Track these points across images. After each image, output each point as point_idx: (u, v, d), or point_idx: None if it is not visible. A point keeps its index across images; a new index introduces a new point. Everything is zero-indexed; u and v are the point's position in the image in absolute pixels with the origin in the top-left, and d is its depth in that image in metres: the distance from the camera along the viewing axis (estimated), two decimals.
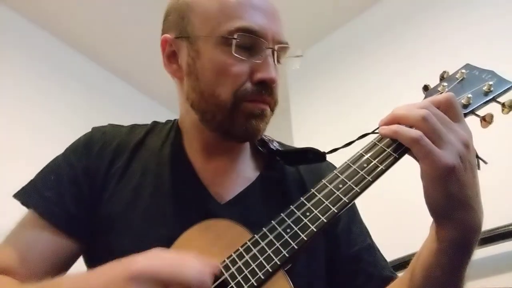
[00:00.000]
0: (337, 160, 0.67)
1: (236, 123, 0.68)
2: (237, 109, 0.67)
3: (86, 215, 0.69)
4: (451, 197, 0.53)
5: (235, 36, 0.66)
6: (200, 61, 0.69)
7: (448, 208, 0.54)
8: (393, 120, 0.57)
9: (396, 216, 1.71)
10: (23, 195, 0.70)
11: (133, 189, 0.71)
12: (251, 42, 0.67)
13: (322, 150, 0.72)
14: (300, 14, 2.37)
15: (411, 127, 0.55)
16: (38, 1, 2.24)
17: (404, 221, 1.64)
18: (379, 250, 0.77)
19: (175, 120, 0.83)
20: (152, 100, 2.89)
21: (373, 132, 0.63)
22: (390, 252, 0.79)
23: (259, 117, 0.68)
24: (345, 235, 0.74)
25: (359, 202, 0.80)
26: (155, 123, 0.83)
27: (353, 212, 0.80)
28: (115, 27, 2.42)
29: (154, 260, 0.47)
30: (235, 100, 0.67)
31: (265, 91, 0.68)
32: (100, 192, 0.71)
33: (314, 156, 0.72)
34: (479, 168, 0.57)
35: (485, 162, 0.57)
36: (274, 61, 0.69)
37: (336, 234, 0.74)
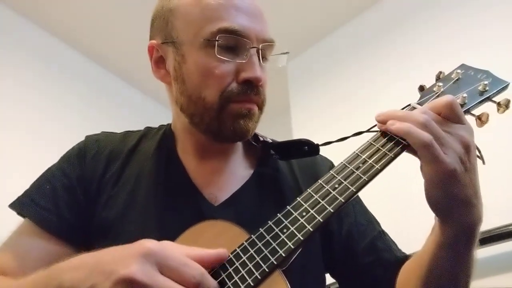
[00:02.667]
0: (334, 161, 0.67)
1: (224, 124, 0.68)
2: (224, 111, 0.68)
3: (82, 221, 0.71)
4: (452, 197, 0.54)
5: (217, 38, 0.66)
6: (186, 65, 0.70)
7: (449, 207, 0.55)
8: (392, 119, 0.58)
9: (397, 215, 1.71)
10: (18, 205, 0.72)
11: (128, 194, 0.72)
12: (235, 43, 0.68)
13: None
14: (300, 15, 2.37)
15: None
16: (38, 0, 2.25)
17: (405, 219, 1.64)
18: (388, 235, 0.79)
19: (167, 124, 0.84)
20: (153, 100, 2.90)
21: (368, 131, 0.63)
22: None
23: (246, 117, 0.69)
24: (355, 230, 0.75)
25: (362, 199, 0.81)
26: (148, 129, 0.84)
27: (358, 204, 0.81)
28: (115, 27, 2.43)
29: (167, 247, 0.49)
30: (221, 101, 0.67)
31: (251, 91, 0.68)
32: (95, 198, 0.72)
33: (308, 149, 0.73)
34: (483, 163, 0.58)
35: (483, 162, 0.57)
36: (259, 60, 0.69)
37: (345, 231, 0.75)
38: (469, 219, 0.56)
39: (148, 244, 0.48)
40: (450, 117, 0.55)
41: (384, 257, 0.73)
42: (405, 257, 0.72)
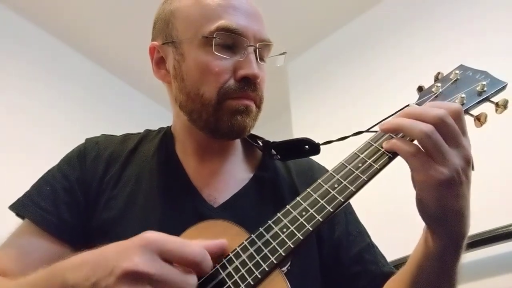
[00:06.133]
0: (334, 161, 0.68)
1: (221, 120, 0.70)
2: (221, 107, 0.69)
3: (82, 223, 0.71)
4: (445, 207, 0.54)
5: (216, 36, 0.68)
6: (185, 63, 0.71)
7: (441, 216, 0.55)
8: (397, 130, 0.57)
9: (393, 217, 1.71)
10: (18, 206, 0.72)
11: (127, 195, 0.73)
12: (232, 41, 0.69)
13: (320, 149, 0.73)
14: (300, 15, 2.38)
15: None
16: (38, 1, 2.24)
17: (402, 221, 1.64)
18: (377, 247, 0.79)
19: (167, 127, 0.85)
20: (152, 101, 2.90)
21: (367, 131, 0.64)
22: (387, 253, 0.80)
23: (244, 113, 0.70)
24: (344, 239, 0.76)
25: (357, 202, 0.81)
26: (147, 131, 0.85)
27: (350, 214, 0.81)
28: (116, 27, 2.43)
29: (165, 235, 0.50)
30: (219, 97, 0.69)
31: (248, 87, 0.69)
32: (95, 200, 0.73)
33: (309, 148, 0.74)
34: (473, 169, 0.57)
35: (472, 168, 0.57)
36: (256, 58, 0.70)
37: (335, 239, 0.75)
38: (460, 229, 0.56)
39: (147, 234, 0.49)
40: (456, 124, 0.55)
41: (370, 269, 0.73)
42: (391, 272, 0.72)
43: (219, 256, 0.55)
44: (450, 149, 0.53)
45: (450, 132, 0.54)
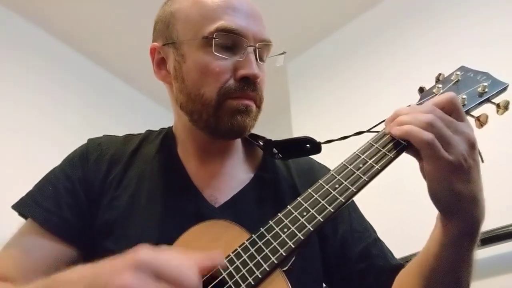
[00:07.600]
0: (334, 162, 0.68)
1: (221, 120, 0.70)
2: (221, 107, 0.69)
3: (84, 223, 0.71)
4: (458, 193, 0.55)
5: (215, 36, 0.69)
6: (186, 64, 0.72)
7: (455, 203, 0.56)
8: (397, 117, 0.58)
9: (398, 215, 1.72)
10: (21, 206, 0.72)
11: (130, 196, 0.73)
12: (232, 41, 0.70)
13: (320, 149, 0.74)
14: (300, 15, 2.37)
15: None
16: (38, 1, 2.24)
17: (407, 219, 1.65)
18: (383, 242, 0.79)
19: (169, 127, 0.85)
20: (152, 101, 2.89)
21: (369, 131, 0.64)
22: (394, 250, 0.80)
23: (244, 113, 0.70)
24: (349, 236, 0.76)
25: (360, 201, 0.82)
26: (149, 132, 0.86)
27: (354, 211, 0.81)
28: (116, 27, 2.43)
29: (160, 254, 0.49)
30: (219, 97, 0.69)
31: (248, 87, 0.70)
32: (97, 200, 0.73)
33: (310, 147, 0.74)
34: (482, 161, 0.59)
35: (482, 161, 0.58)
36: (256, 58, 0.71)
37: (339, 237, 0.75)
38: (474, 214, 0.57)
39: (142, 253, 0.48)
40: (452, 112, 0.57)
41: (378, 264, 0.74)
42: (400, 265, 0.73)
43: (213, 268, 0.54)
44: (452, 135, 0.54)
45: (445, 121, 0.55)
